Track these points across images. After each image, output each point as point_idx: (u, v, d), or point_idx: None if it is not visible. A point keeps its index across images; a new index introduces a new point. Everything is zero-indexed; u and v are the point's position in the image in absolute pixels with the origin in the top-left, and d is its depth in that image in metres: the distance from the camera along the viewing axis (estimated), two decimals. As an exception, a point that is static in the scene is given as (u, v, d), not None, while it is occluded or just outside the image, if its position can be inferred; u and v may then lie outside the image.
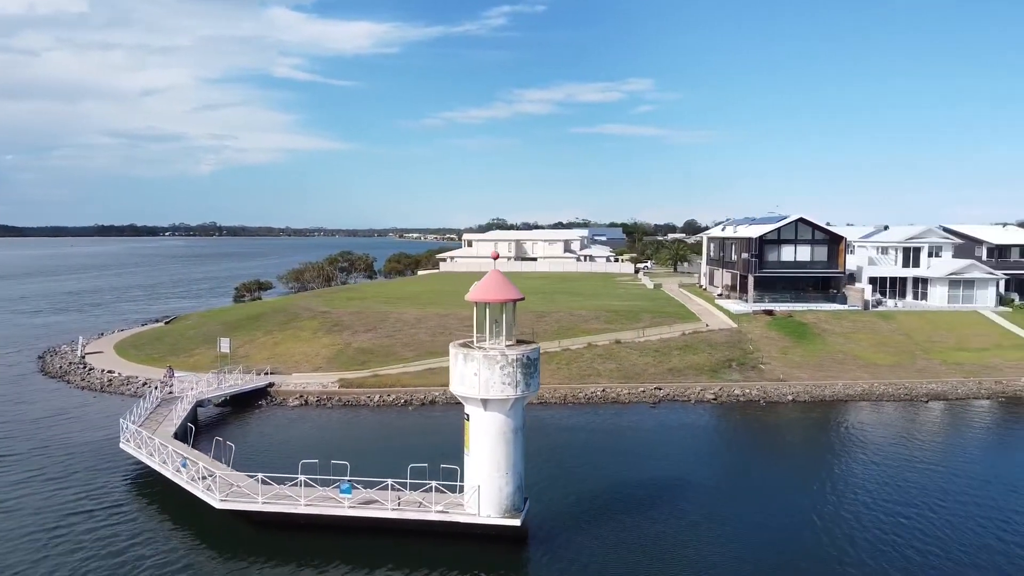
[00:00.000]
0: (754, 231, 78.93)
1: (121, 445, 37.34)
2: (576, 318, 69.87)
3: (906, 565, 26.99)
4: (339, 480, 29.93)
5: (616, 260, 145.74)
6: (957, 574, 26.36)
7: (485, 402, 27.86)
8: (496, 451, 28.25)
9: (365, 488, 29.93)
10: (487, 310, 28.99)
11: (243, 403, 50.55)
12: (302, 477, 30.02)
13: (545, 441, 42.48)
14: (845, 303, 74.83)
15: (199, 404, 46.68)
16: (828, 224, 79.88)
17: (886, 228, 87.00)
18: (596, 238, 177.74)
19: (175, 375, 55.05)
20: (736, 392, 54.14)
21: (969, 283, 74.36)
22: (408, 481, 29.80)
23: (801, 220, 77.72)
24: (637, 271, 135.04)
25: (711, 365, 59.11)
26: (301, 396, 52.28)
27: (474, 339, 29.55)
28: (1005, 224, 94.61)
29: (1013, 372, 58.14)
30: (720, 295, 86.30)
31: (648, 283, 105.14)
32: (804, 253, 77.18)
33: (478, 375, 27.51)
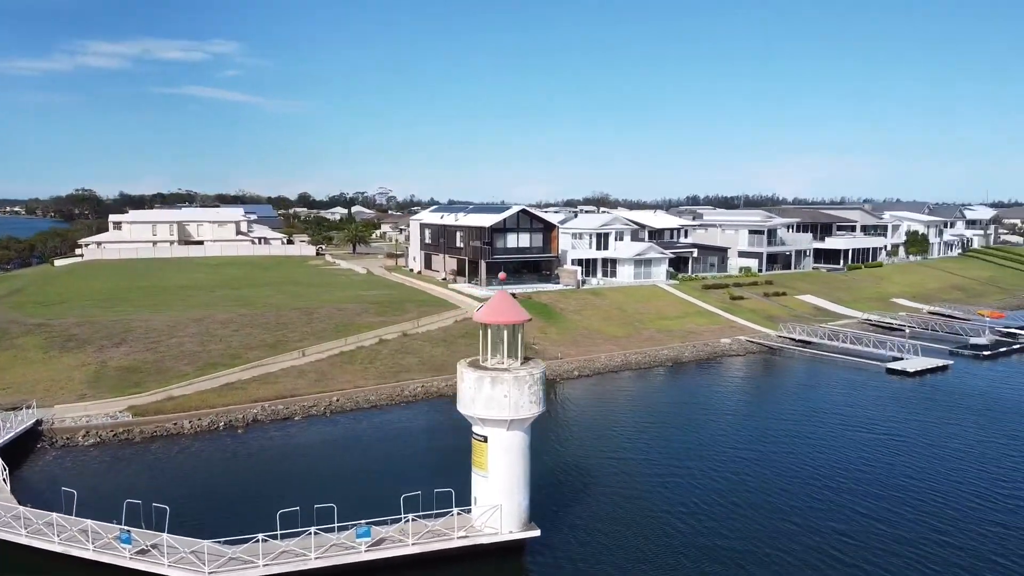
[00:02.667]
0: (484, 220, 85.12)
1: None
2: (345, 313, 68.55)
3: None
4: (312, 528, 27.91)
5: (290, 242, 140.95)
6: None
7: (509, 422, 28.64)
8: (516, 468, 29.27)
9: (377, 527, 28.39)
10: (502, 331, 29.47)
11: (10, 449, 40.70)
12: (313, 531, 27.24)
13: (426, 446, 43.16)
14: (559, 283, 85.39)
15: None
16: (540, 210, 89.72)
17: (576, 216, 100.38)
18: (248, 215, 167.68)
19: None
20: (533, 374, 59.71)
21: (648, 262, 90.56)
22: (401, 515, 29.06)
23: (523, 211, 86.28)
24: (319, 253, 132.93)
25: (496, 350, 63.72)
26: (89, 432, 43.83)
27: (481, 359, 29.85)
28: (656, 211, 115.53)
29: (710, 335, 73.66)
30: (444, 279, 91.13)
31: (358, 268, 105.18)
32: (525, 240, 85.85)
33: (508, 396, 28.19)
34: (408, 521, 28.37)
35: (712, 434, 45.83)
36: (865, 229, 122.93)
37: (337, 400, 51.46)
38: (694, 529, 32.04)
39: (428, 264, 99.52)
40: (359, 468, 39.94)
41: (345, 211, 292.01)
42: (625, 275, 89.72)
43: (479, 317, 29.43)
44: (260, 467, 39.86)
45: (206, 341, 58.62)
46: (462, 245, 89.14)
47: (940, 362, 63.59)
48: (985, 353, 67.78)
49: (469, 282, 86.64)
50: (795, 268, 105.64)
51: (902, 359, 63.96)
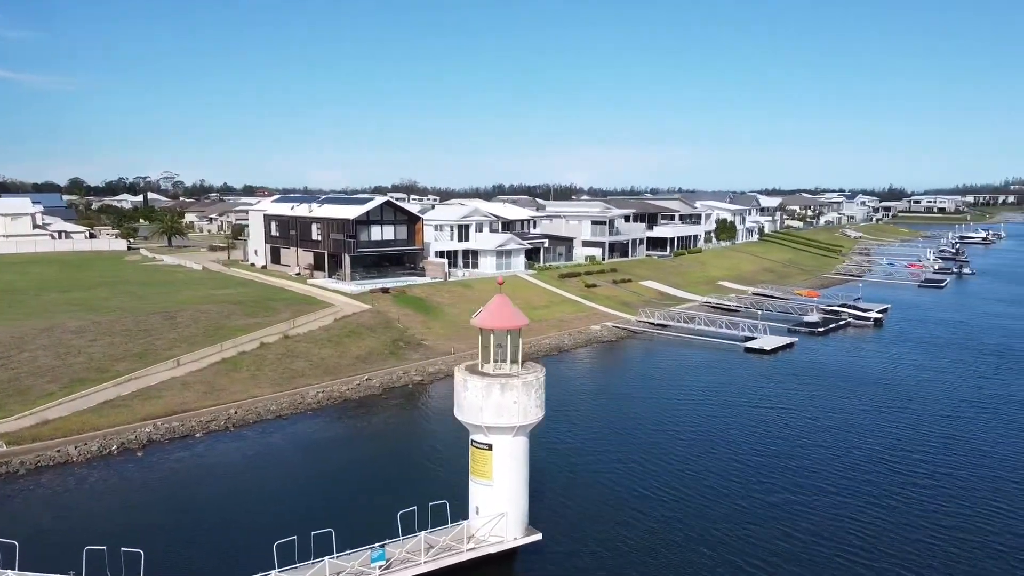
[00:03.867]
0: (346, 212, 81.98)
1: None
2: (210, 316, 63.12)
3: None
4: (327, 558, 26.12)
5: (92, 235, 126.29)
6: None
7: (517, 429, 28.27)
8: (520, 474, 28.98)
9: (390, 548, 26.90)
10: (507, 336, 28.83)
11: None
12: (327, 560, 25.19)
13: (358, 455, 41.52)
14: (424, 275, 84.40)
15: None
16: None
17: (433, 207, 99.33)
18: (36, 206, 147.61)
19: None
20: (441, 368, 58.82)
21: (509, 253, 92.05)
22: (400, 533, 27.89)
23: (387, 203, 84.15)
24: (130, 248, 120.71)
25: (387, 348, 61.96)
26: (-47, 471, 37.22)
27: (481, 365, 29.10)
28: (504, 202, 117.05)
29: (580, 323, 76.49)
30: (299, 275, 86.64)
31: (191, 264, 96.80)
32: (389, 232, 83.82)
33: (518, 403, 27.79)
34: (421, 539, 27.18)
35: (631, 420, 47.93)
36: (683, 218, 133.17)
37: (236, 412, 47.50)
38: (661, 510, 33.66)
39: (276, 258, 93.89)
40: (296, 485, 37.39)
41: (136, 198, 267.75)
42: (487, 266, 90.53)
43: (480, 322, 28.63)
44: (184, 493, 36.00)
45: (63, 354, 51.50)
46: (320, 238, 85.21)
47: (788, 340, 70.83)
48: (819, 330, 76.45)
49: (330, 277, 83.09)
50: (631, 256, 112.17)
51: (755, 338, 70.36)
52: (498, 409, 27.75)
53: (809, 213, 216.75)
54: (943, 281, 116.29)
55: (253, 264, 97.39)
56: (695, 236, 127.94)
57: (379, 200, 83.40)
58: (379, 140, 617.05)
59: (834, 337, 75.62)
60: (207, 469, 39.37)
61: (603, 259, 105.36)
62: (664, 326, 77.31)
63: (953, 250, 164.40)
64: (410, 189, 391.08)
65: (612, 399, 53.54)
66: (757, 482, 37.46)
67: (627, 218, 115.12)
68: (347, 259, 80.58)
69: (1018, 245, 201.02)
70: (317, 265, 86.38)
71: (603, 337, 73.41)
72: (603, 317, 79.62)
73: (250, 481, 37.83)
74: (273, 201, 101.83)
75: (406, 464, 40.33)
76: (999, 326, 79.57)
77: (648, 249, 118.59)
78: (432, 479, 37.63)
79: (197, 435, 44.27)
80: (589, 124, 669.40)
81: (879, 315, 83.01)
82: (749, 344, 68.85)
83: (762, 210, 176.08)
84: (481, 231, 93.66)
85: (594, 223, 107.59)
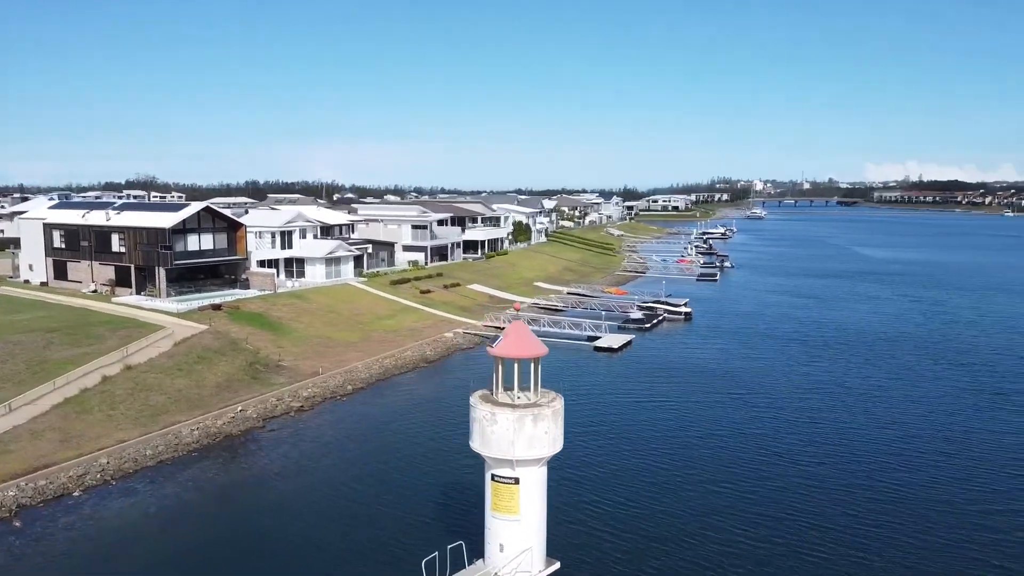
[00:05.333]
0: (158, 220, 73.18)
1: None
2: (24, 347, 53.24)
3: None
4: None
5: None
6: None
7: (544, 459, 27.51)
8: (542, 506, 28.20)
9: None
10: (530, 365, 27.74)
11: None
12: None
13: (276, 499, 37.90)
14: (250, 288, 77.89)
15: None
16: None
17: (247, 212, 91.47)
18: None
19: None
20: (315, 392, 54.72)
21: (338, 260, 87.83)
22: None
23: (206, 209, 76.43)
24: None
25: (245, 373, 56.43)
26: None
27: (498, 395, 27.81)
28: (318, 204, 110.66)
29: (432, 331, 75.29)
30: (97, 292, 75.68)
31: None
32: (208, 241, 76.23)
33: (548, 432, 27.06)
34: (465, 589, 25.54)
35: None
36: (485, 220, 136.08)
37: (109, 462, 40.77)
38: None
39: (62, 274, 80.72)
40: (229, 545, 33.07)
41: None
42: (316, 275, 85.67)
43: (502, 352, 27.29)
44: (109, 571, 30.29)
45: None
46: (123, 249, 74.95)
47: (627, 337, 75.44)
48: (646, 326, 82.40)
49: (139, 294, 73.45)
50: (450, 259, 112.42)
51: (600, 337, 74.09)
52: (530, 441, 26.76)
53: (576, 214, 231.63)
54: (715, 275, 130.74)
55: (28, 281, 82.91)
56: (500, 239, 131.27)
57: (196, 206, 75.31)
58: (101, 131, 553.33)
59: (658, 332, 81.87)
60: (111, 534, 33.48)
61: (426, 263, 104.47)
62: (508, 330, 78.48)
63: (706, 245, 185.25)
64: (149, 186, 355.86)
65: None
66: (713, 477, 39.91)
67: (442, 222, 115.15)
68: (161, 273, 71.84)
69: (748, 239, 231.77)
70: (120, 281, 75.88)
71: (461, 344, 73.03)
72: (450, 324, 79.13)
73: (173, 544, 32.76)
74: (52, 207, 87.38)
75: (352, 504, 37.32)
76: (786, 316, 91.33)
77: (463, 252, 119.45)
78: (381, 514, 35.34)
79: (75, 493, 37.42)
80: (333, 118, 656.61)
81: (688, 310, 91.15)
82: (597, 343, 72.37)
83: (541, 211, 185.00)
84: (305, 237, 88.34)
85: (415, 227, 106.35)
